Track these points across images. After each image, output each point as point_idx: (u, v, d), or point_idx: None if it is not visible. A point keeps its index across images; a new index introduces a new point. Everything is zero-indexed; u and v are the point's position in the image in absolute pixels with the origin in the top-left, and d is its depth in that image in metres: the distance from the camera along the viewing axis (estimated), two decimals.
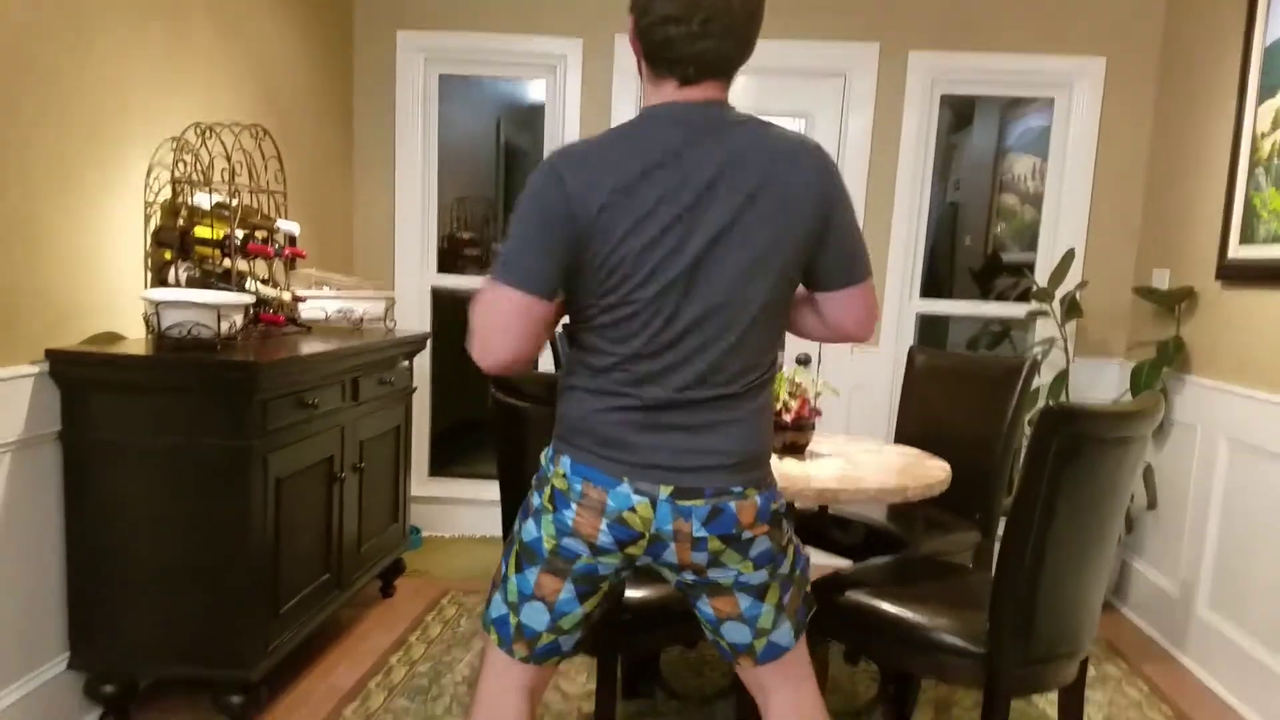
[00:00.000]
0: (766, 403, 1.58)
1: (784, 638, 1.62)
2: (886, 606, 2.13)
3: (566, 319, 1.58)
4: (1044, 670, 2.02)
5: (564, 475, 1.51)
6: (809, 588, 1.69)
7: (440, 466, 4.32)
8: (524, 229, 1.44)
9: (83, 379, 2.20)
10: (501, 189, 5.94)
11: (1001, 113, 5.38)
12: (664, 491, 1.47)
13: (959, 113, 5.50)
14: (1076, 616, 2.03)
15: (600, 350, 1.50)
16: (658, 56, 1.46)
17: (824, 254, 1.53)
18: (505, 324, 1.43)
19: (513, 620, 1.57)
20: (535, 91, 4.88)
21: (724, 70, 1.48)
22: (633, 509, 1.47)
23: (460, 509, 4.16)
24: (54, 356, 2.17)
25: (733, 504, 1.50)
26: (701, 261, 1.44)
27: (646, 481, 1.48)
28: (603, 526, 1.49)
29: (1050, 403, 1.89)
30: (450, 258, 4.33)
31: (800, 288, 1.60)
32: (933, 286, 5.50)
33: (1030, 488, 1.88)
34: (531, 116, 5.74)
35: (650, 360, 1.47)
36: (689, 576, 1.56)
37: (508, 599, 1.58)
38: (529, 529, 1.55)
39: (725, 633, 1.61)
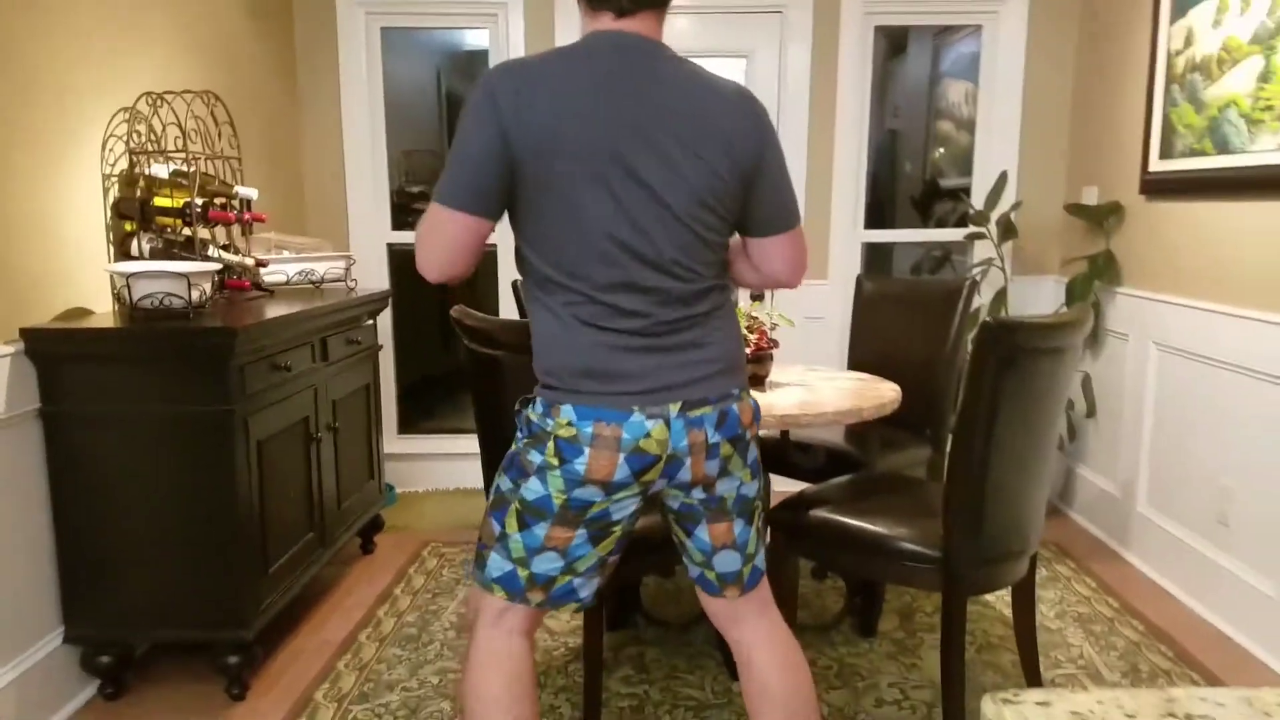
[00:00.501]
0: (732, 315, 1.66)
1: (762, 562, 1.74)
2: (850, 520, 2.28)
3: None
4: (996, 569, 2.19)
5: (569, 423, 1.52)
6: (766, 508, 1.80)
7: (409, 423, 4.39)
8: (462, 149, 1.46)
9: (60, 355, 2.23)
10: (446, 140, 5.91)
11: (934, 40, 5.48)
12: (674, 409, 1.53)
13: (893, 41, 5.58)
14: (1023, 516, 2.19)
15: (565, 285, 1.52)
16: None
17: (756, 199, 1.60)
18: (446, 243, 1.49)
19: (522, 573, 1.60)
20: (474, 38, 4.85)
21: (658, 2, 1.53)
22: (649, 434, 1.52)
23: (432, 463, 4.25)
24: (29, 335, 2.20)
25: (734, 406, 1.60)
26: (652, 180, 1.48)
27: (656, 405, 1.52)
28: (620, 461, 1.52)
29: (987, 319, 2.02)
30: (401, 212, 4.34)
31: (734, 238, 1.67)
32: (876, 214, 5.65)
33: (973, 398, 2.02)
34: (471, 63, 5.69)
35: (616, 284, 1.51)
36: (698, 494, 1.62)
37: (512, 556, 1.60)
38: (533, 487, 1.56)
39: (718, 563, 1.68)
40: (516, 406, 1.64)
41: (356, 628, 2.85)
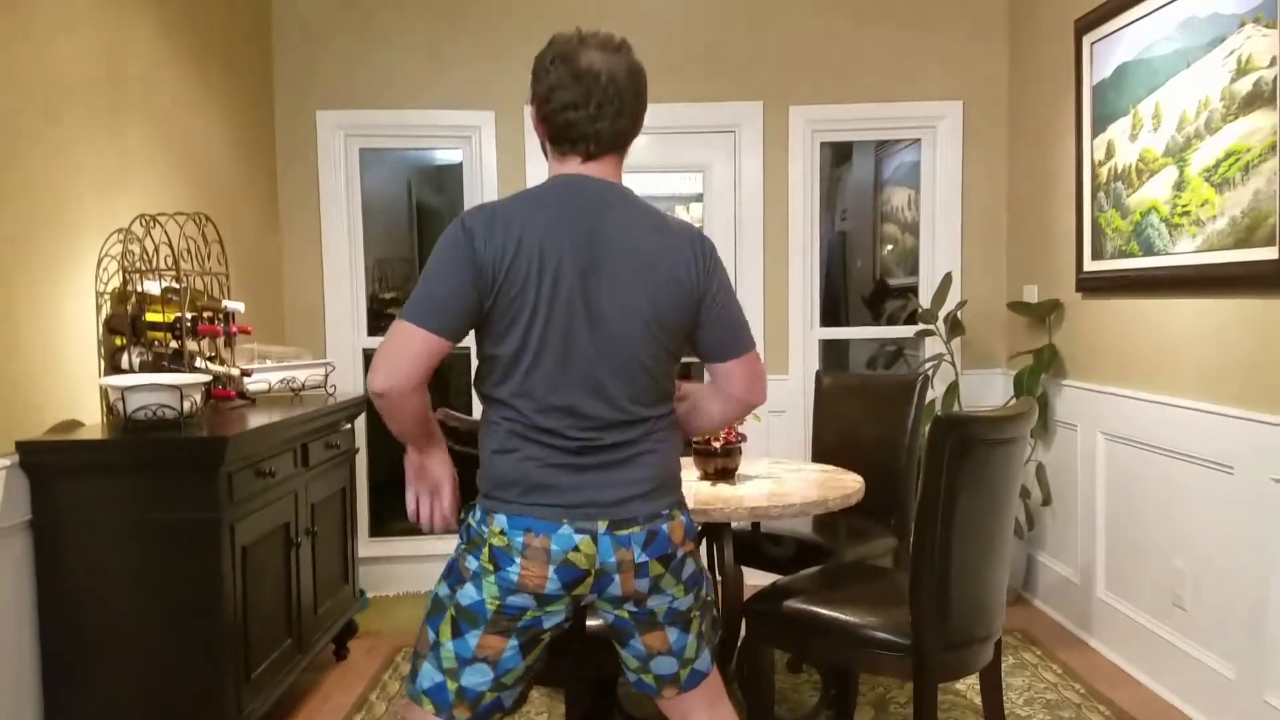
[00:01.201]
0: (670, 437, 1.75)
1: (704, 664, 1.81)
2: (822, 610, 2.38)
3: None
4: (964, 654, 2.28)
5: (501, 532, 1.61)
6: (716, 612, 1.87)
7: (379, 526, 4.42)
8: (434, 275, 1.60)
9: (54, 466, 2.29)
10: (416, 247, 6.09)
11: (876, 150, 5.84)
12: (602, 525, 1.62)
13: (839, 149, 5.93)
14: (987, 600, 2.30)
15: (510, 404, 1.63)
16: (562, 137, 1.67)
17: (707, 327, 1.73)
18: (409, 357, 1.58)
19: (451, 685, 1.64)
20: (443, 153, 5.08)
21: (620, 145, 1.70)
22: (576, 548, 1.60)
23: (402, 566, 4.27)
24: (24, 447, 2.26)
25: (664, 526, 1.68)
26: (603, 312, 1.61)
27: (584, 520, 1.61)
28: (550, 573, 1.59)
29: (939, 413, 2.17)
30: (375, 317, 4.47)
31: (689, 397, 1.83)
32: (832, 311, 5.90)
33: (931, 488, 2.15)
34: (440, 176, 5.93)
35: (557, 408, 1.62)
36: (629, 608, 1.69)
37: (442, 666, 1.65)
38: (468, 593, 1.62)
39: (654, 667, 1.75)
40: (461, 514, 1.73)
41: None
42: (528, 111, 4.11)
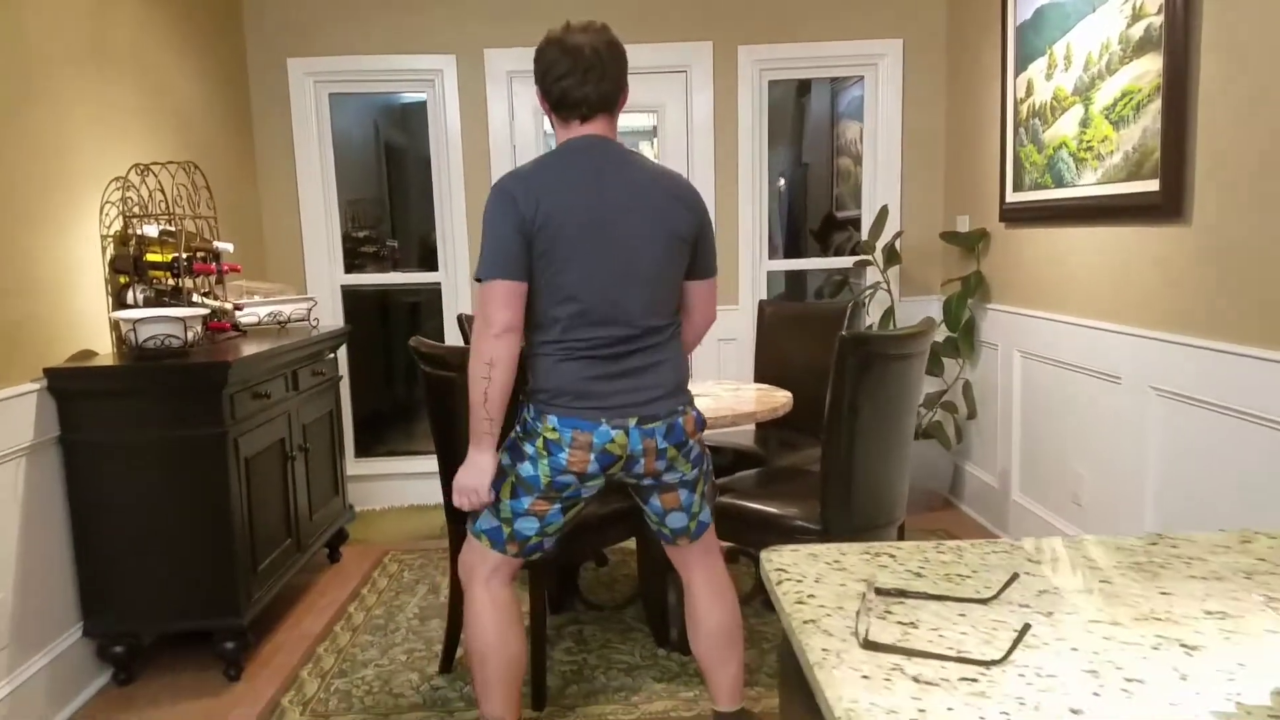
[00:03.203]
0: (680, 347, 2.18)
1: (706, 517, 2.28)
2: (748, 504, 2.76)
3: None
4: (866, 536, 2.66)
5: (553, 428, 2.02)
6: (714, 480, 2.34)
7: (364, 449, 4.78)
8: (494, 236, 1.98)
9: (76, 390, 2.63)
10: (386, 186, 6.32)
11: (832, 84, 6.07)
12: (632, 422, 2.04)
13: (803, 83, 6.15)
14: (887, 492, 2.68)
15: (553, 330, 2.02)
16: (560, 103, 2.04)
17: (696, 255, 2.15)
18: (502, 303, 1.95)
19: (506, 530, 2.10)
20: (410, 95, 5.29)
21: (608, 106, 2.06)
22: (612, 440, 2.03)
23: (386, 483, 4.64)
24: (51, 374, 2.59)
25: (679, 420, 2.11)
26: (620, 249, 2.00)
27: (618, 418, 2.03)
28: (591, 459, 2.03)
29: (843, 333, 2.51)
30: (350, 255, 4.75)
31: None
32: (795, 243, 6.20)
33: (838, 396, 2.51)
34: (406, 116, 6.13)
35: (595, 328, 2.01)
36: (649, 481, 2.14)
37: (500, 515, 2.10)
38: (525, 469, 2.05)
39: (669, 521, 2.21)
40: (520, 399, 2.13)
41: (331, 620, 3.24)
42: (487, 55, 4.41)
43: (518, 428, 2.12)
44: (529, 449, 2.06)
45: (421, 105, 4.53)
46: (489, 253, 1.98)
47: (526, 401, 2.11)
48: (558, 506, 2.10)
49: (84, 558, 2.71)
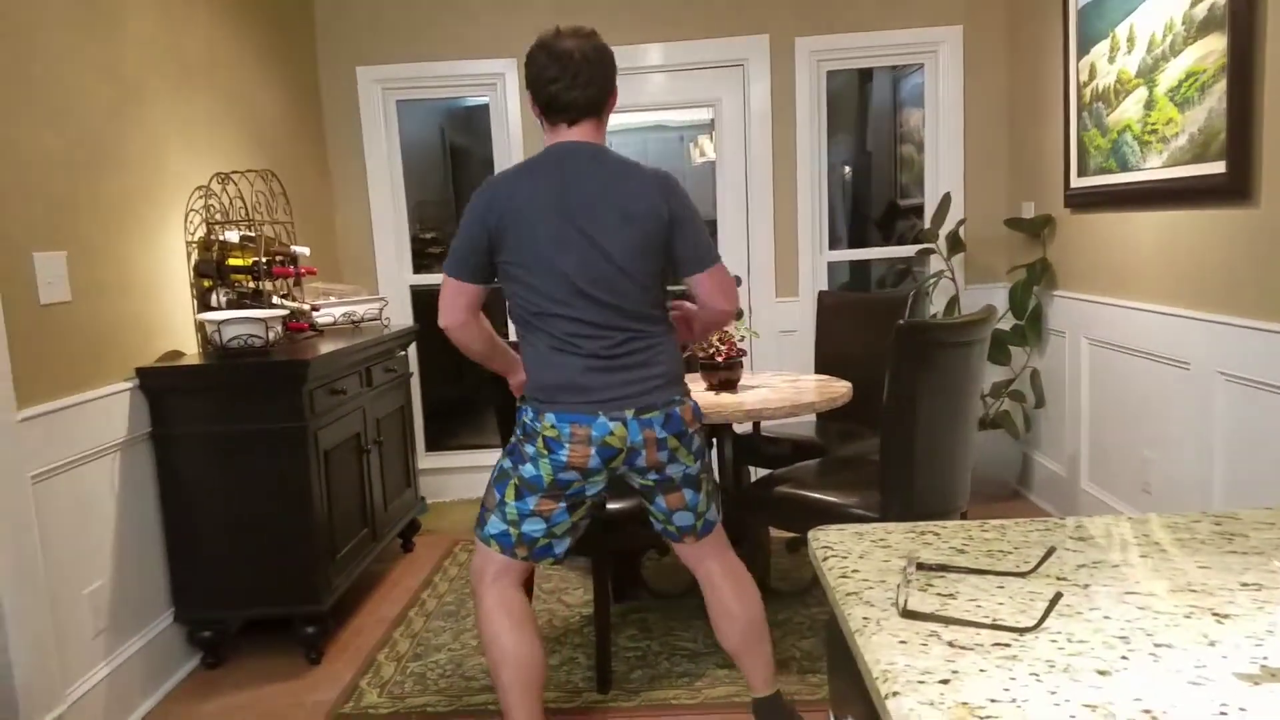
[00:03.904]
0: (674, 341, 2.20)
1: (713, 515, 2.30)
2: (805, 493, 2.80)
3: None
4: None
5: (551, 425, 2.05)
6: (717, 479, 2.37)
7: (434, 443, 4.92)
8: (462, 236, 2.08)
9: (167, 387, 2.79)
10: (452, 188, 6.48)
11: (893, 72, 6.03)
12: (629, 413, 2.08)
13: (864, 72, 6.12)
14: (949, 481, 2.69)
15: (540, 328, 2.07)
16: (549, 107, 2.10)
17: (678, 246, 2.12)
18: (452, 302, 2.09)
19: (513, 532, 2.14)
20: (471, 96, 5.42)
21: (595, 110, 2.11)
22: (611, 432, 2.06)
23: (456, 476, 4.77)
24: (142, 373, 2.76)
25: (677, 409, 2.14)
26: (593, 245, 2.03)
27: (616, 410, 2.06)
28: (592, 453, 2.06)
29: (900, 322, 2.53)
30: (418, 257, 4.90)
31: (680, 309, 2.29)
32: (860, 233, 6.18)
33: (896, 384, 2.53)
34: (470, 118, 6.27)
35: (578, 324, 2.05)
36: (653, 476, 2.15)
37: (506, 519, 2.13)
38: (528, 469, 2.09)
39: (676, 520, 2.24)
40: (518, 404, 2.21)
41: (406, 607, 3.37)
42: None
43: (518, 430, 2.15)
44: (530, 450, 2.10)
45: (484, 108, 4.65)
46: (452, 249, 2.10)
47: (524, 404, 2.16)
48: (563, 505, 2.13)
49: (174, 547, 2.87)
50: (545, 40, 2.09)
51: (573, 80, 2.05)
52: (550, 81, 2.06)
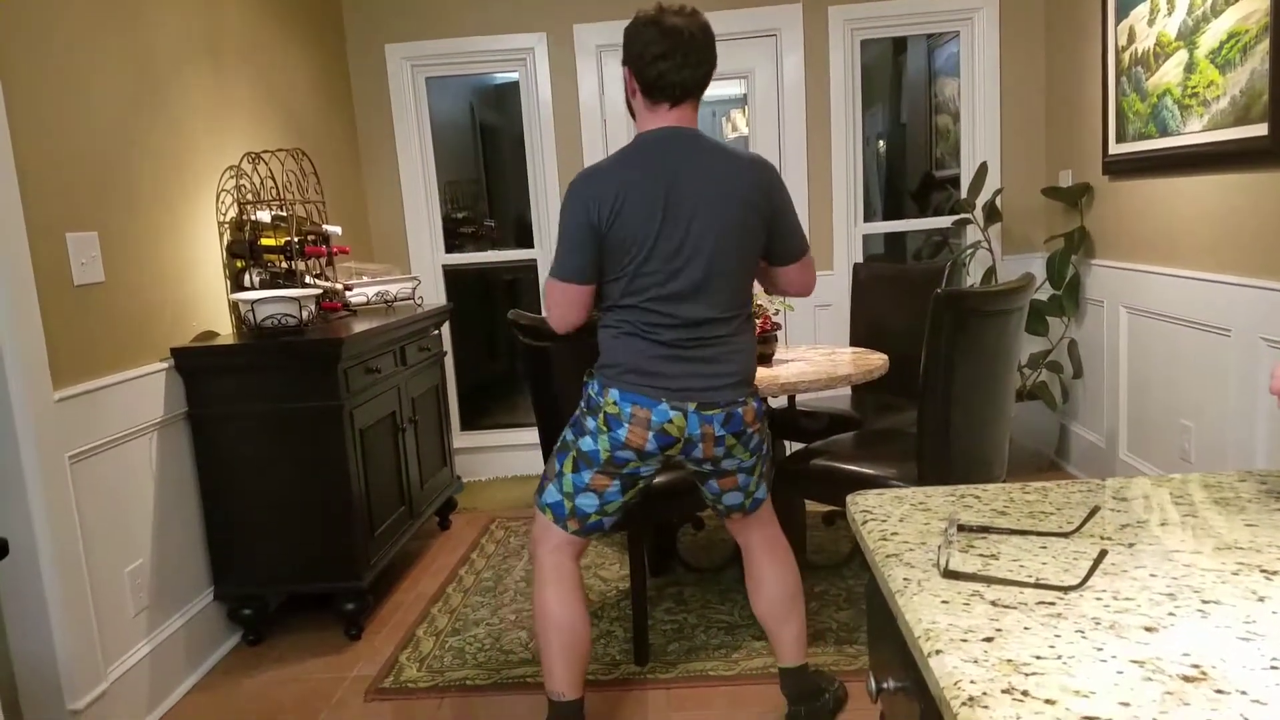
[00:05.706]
0: (751, 337, 2.17)
1: (762, 493, 2.29)
2: (842, 465, 2.77)
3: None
4: None
5: (614, 403, 2.05)
6: (773, 459, 2.33)
7: (469, 422, 4.95)
8: (565, 238, 2.04)
9: (202, 367, 2.82)
10: (482, 166, 6.46)
11: (928, 41, 5.93)
12: (691, 406, 2.06)
13: (897, 42, 6.03)
14: (986, 451, 2.65)
15: (625, 312, 2.06)
16: (654, 86, 2.02)
17: (775, 237, 2.12)
18: (565, 304, 2.07)
19: (568, 505, 2.15)
20: (504, 74, 5.40)
21: (697, 91, 2.06)
22: (670, 420, 2.05)
23: (491, 455, 4.80)
24: (178, 353, 2.79)
25: (739, 409, 2.11)
26: (689, 240, 2.00)
27: (678, 400, 2.05)
28: (649, 437, 2.05)
29: (938, 290, 2.49)
30: (450, 236, 4.90)
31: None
32: (896, 204, 6.10)
33: (933, 354, 2.49)
34: (500, 95, 6.24)
35: (662, 313, 2.04)
36: (707, 466, 2.16)
37: (563, 490, 2.15)
38: (586, 443, 2.10)
39: (726, 500, 2.25)
40: (585, 378, 2.19)
41: (444, 583, 3.40)
42: (576, 30, 4.48)
43: (582, 403, 2.16)
44: (590, 424, 2.11)
45: (514, 85, 4.63)
46: (559, 253, 2.06)
47: (592, 377, 2.15)
48: (617, 484, 2.13)
49: (213, 525, 2.91)
50: (651, 16, 2.01)
51: (684, 59, 1.99)
52: (658, 58, 1.99)
